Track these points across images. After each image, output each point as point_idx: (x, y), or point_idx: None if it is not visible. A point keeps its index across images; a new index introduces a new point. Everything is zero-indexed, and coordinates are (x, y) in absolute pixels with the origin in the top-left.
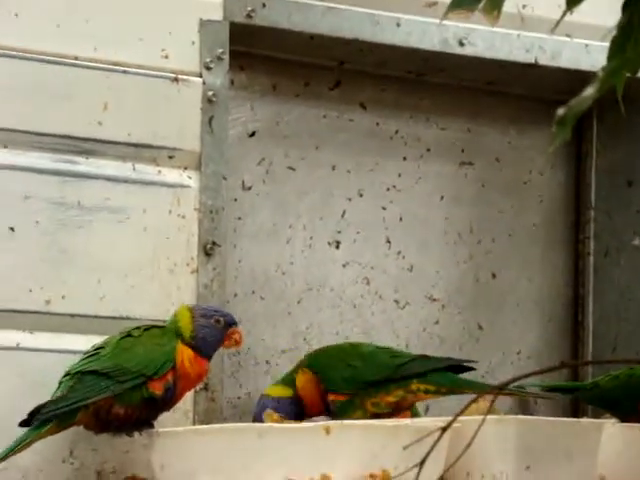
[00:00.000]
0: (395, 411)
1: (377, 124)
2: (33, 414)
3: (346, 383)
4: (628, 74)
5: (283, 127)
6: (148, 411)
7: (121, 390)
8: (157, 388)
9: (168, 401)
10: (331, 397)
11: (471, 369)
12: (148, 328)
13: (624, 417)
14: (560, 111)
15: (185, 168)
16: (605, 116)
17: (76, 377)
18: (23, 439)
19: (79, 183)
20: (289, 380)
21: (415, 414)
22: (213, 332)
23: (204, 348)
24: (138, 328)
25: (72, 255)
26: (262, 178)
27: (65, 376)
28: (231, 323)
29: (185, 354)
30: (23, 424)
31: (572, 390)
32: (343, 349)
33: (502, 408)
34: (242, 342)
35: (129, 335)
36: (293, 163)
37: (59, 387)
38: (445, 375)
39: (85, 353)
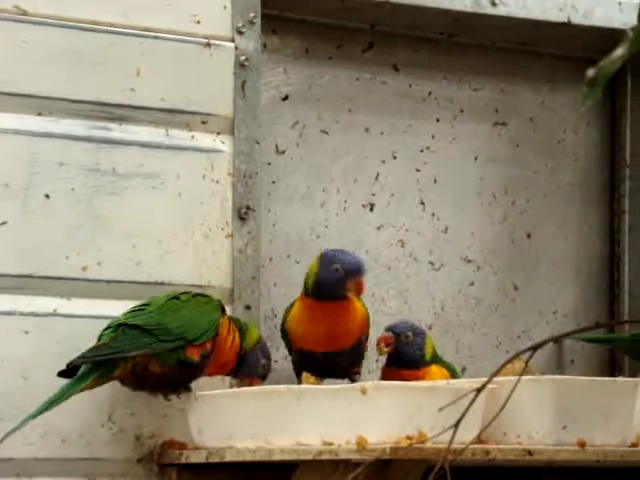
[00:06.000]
0: None
1: (410, 86)
2: (72, 363)
3: None
4: None
5: (316, 90)
6: (183, 375)
7: (160, 350)
8: (194, 354)
9: (202, 369)
10: None
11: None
12: (196, 295)
13: None
14: (590, 72)
15: (218, 133)
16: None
17: (119, 329)
18: (64, 391)
19: (113, 149)
20: None
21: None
22: (258, 357)
23: (245, 367)
24: (186, 293)
25: (107, 221)
26: (295, 142)
27: (107, 329)
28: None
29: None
30: (62, 374)
31: (610, 341)
32: None
33: (537, 368)
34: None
35: (176, 298)
36: (326, 126)
37: (100, 339)
38: None
39: (131, 308)
